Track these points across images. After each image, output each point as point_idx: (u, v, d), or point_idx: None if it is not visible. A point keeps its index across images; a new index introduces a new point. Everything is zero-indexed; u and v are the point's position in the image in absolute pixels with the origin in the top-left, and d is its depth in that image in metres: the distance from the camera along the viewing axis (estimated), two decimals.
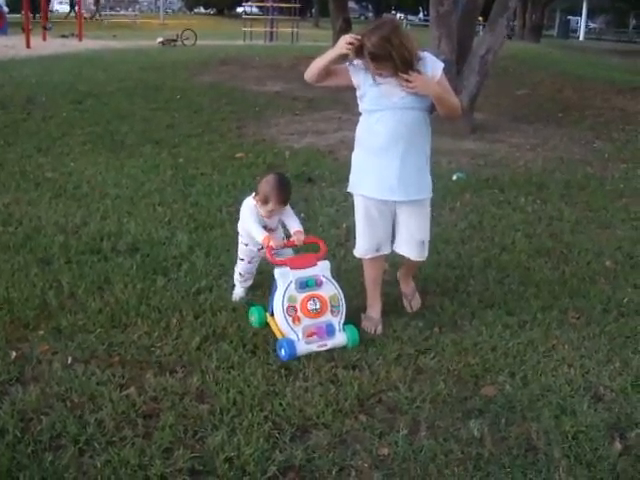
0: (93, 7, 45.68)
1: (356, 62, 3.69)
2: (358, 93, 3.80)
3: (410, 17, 59.27)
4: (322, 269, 3.83)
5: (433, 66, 3.70)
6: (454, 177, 7.47)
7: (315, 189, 6.82)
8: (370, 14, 68.28)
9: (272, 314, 3.83)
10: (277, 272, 3.79)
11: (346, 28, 20.83)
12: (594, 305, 4.44)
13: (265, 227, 4.06)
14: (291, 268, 3.78)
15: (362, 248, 4.02)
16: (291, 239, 4.06)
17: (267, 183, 4.00)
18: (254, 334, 3.86)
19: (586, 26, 51.47)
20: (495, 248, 5.39)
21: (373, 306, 4.09)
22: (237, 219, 5.69)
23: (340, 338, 3.75)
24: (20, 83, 13.33)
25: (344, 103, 12.58)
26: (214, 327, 3.92)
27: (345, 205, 6.26)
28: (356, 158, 3.94)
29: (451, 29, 9.55)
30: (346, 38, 3.57)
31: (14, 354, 3.55)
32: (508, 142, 9.76)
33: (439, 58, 3.85)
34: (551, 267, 5.08)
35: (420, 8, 63.28)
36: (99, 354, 3.60)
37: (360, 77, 3.73)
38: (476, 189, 7.09)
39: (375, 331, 3.94)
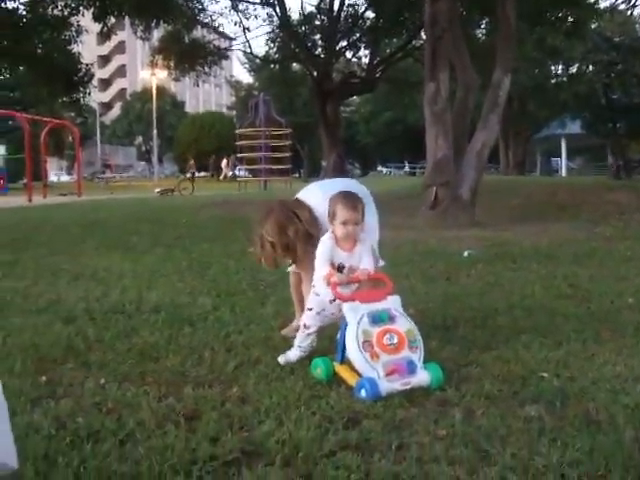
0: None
1: None
2: None
3: (395, 171, 60.81)
4: (393, 303, 3.54)
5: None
6: (465, 254, 7.55)
7: None
8: (357, 171, 70.07)
9: (341, 362, 3.47)
10: (346, 307, 3.46)
11: (341, 163, 21.62)
12: (626, 327, 4.46)
13: (343, 267, 3.72)
14: (361, 302, 3.47)
15: None
16: (356, 274, 3.69)
17: (330, 200, 3.74)
18: None
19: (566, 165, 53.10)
20: (515, 296, 5.42)
21: None
22: (256, 289, 5.72)
23: (423, 376, 3.33)
24: (27, 218, 13.76)
25: None
26: (248, 356, 3.84)
27: None
28: None
29: (446, 126, 9.90)
30: None
31: (44, 378, 3.46)
32: (512, 230, 9.90)
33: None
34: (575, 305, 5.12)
35: (405, 162, 65.01)
36: (132, 378, 3.49)
37: None
38: (488, 261, 7.14)
39: None
